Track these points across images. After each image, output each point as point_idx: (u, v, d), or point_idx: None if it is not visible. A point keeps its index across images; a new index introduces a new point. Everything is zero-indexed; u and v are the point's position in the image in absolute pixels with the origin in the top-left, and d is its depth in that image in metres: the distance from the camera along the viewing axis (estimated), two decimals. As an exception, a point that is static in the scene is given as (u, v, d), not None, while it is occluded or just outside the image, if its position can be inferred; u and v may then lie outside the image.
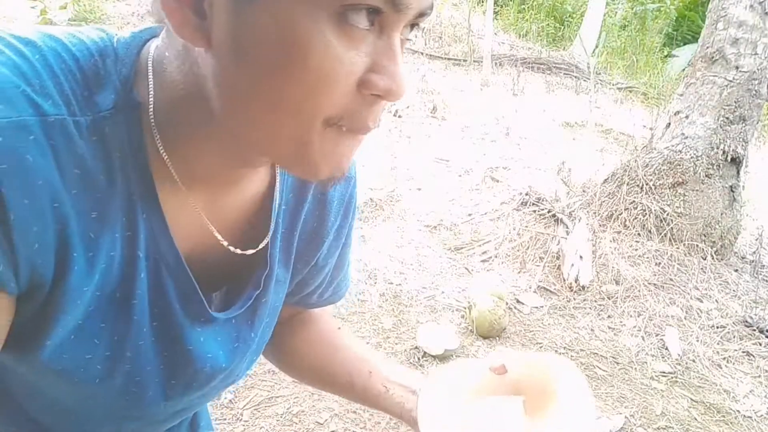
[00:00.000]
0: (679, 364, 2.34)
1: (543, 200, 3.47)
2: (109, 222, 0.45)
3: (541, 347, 2.36)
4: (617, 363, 2.32)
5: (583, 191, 3.64)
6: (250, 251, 0.55)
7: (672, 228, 3.15)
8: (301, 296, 0.71)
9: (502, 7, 9.61)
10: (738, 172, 3.25)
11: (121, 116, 0.44)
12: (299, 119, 0.40)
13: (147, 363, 0.52)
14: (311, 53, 0.37)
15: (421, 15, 0.41)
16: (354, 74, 0.40)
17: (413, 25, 0.43)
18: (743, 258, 3.34)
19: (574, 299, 2.72)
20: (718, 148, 3.19)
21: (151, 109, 0.45)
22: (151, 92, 0.45)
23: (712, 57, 3.23)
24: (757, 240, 3.39)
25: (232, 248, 0.54)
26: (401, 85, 0.41)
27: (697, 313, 2.68)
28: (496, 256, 3.02)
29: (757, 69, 3.15)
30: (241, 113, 0.42)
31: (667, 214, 3.17)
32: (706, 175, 3.19)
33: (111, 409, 0.53)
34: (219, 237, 0.52)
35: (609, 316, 2.62)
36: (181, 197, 0.49)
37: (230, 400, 1.91)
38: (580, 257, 2.87)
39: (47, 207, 0.40)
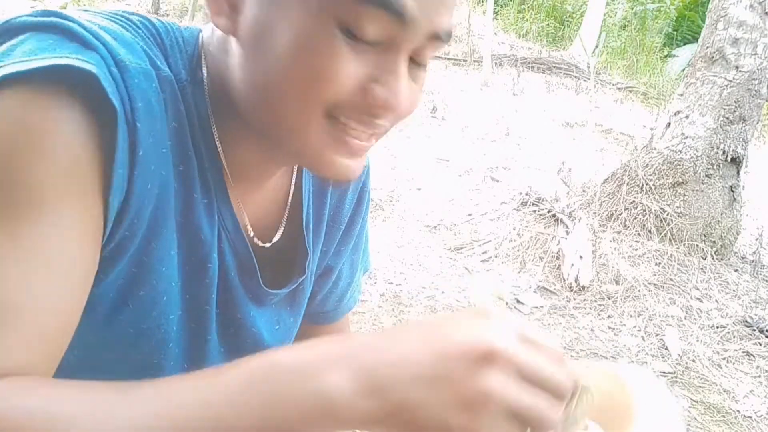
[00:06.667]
0: (679, 364, 2.34)
1: (543, 200, 3.47)
2: (190, 179, 0.48)
3: (541, 347, 2.36)
4: (617, 363, 2.32)
5: (583, 191, 3.64)
6: (268, 243, 0.59)
7: (672, 228, 3.15)
8: (322, 296, 0.72)
9: (502, 7, 9.61)
10: (738, 172, 3.25)
11: (190, 89, 0.48)
12: (303, 103, 0.43)
13: (210, 325, 0.54)
14: (318, 56, 0.41)
15: (435, 38, 0.43)
16: (354, 78, 0.42)
17: (430, 48, 0.45)
18: (743, 258, 3.34)
19: (574, 299, 2.72)
20: (718, 148, 3.19)
21: (207, 89, 0.49)
22: (206, 75, 0.49)
23: (712, 57, 3.23)
24: (757, 240, 3.39)
25: (260, 243, 0.57)
26: (399, 98, 0.43)
27: (697, 313, 2.67)
28: (496, 256, 3.02)
29: (757, 69, 3.15)
30: (258, 98, 0.46)
31: (667, 214, 3.17)
32: (706, 175, 3.19)
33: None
34: (250, 229, 0.56)
35: (609, 316, 2.62)
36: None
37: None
38: (580, 257, 2.87)
39: (160, 150, 0.44)
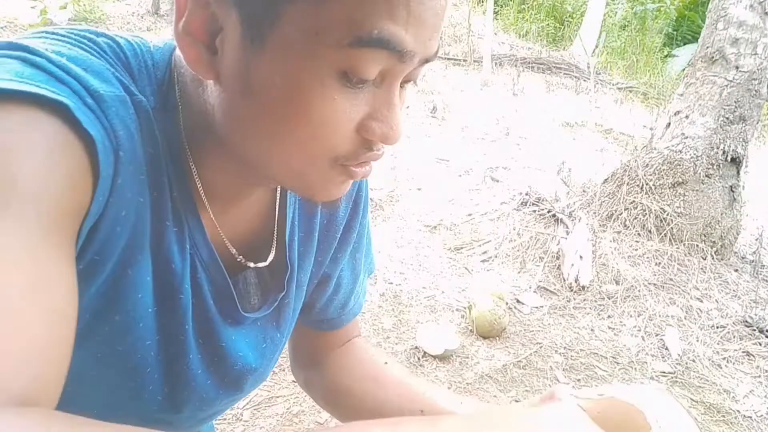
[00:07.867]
0: (679, 364, 2.34)
1: (543, 200, 3.47)
2: (163, 207, 0.47)
3: (541, 347, 2.36)
4: (617, 363, 2.32)
5: (583, 191, 3.64)
6: (261, 264, 0.57)
7: (672, 228, 3.15)
8: (321, 305, 0.70)
9: (502, 7, 9.61)
10: (738, 172, 3.25)
11: (160, 116, 0.46)
12: (304, 156, 0.43)
13: (188, 353, 0.53)
14: (313, 106, 0.40)
15: (426, 61, 0.43)
16: (353, 121, 0.42)
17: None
18: (743, 258, 3.34)
19: (574, 299, 2.72)
20: (718, 148, 3.19)
21: (181, 117, 0.47)
22: (179, 101, 0.47)
23: (712, 57, 3.23)
24: (757, 240, 3.39)
25: (251, 264, 0.56)
26: (397, 131, 0.44)
27: (697, 313, 2.67)
28: (496, 256, 3.02)
29: (757, 69, 3.15)
30: (248, 142, 0.44)
31: (667, 214, 3.17)
32: (706, 175, 3.19)
33: (148, 408, 0.53)
34: (233, 250, 0.54)
35: (609, 316, 2.62)
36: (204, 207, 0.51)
37: (230, 400, 1.91)
38: (580, 257, 2.87)
39: (139, 176, 0.43)
